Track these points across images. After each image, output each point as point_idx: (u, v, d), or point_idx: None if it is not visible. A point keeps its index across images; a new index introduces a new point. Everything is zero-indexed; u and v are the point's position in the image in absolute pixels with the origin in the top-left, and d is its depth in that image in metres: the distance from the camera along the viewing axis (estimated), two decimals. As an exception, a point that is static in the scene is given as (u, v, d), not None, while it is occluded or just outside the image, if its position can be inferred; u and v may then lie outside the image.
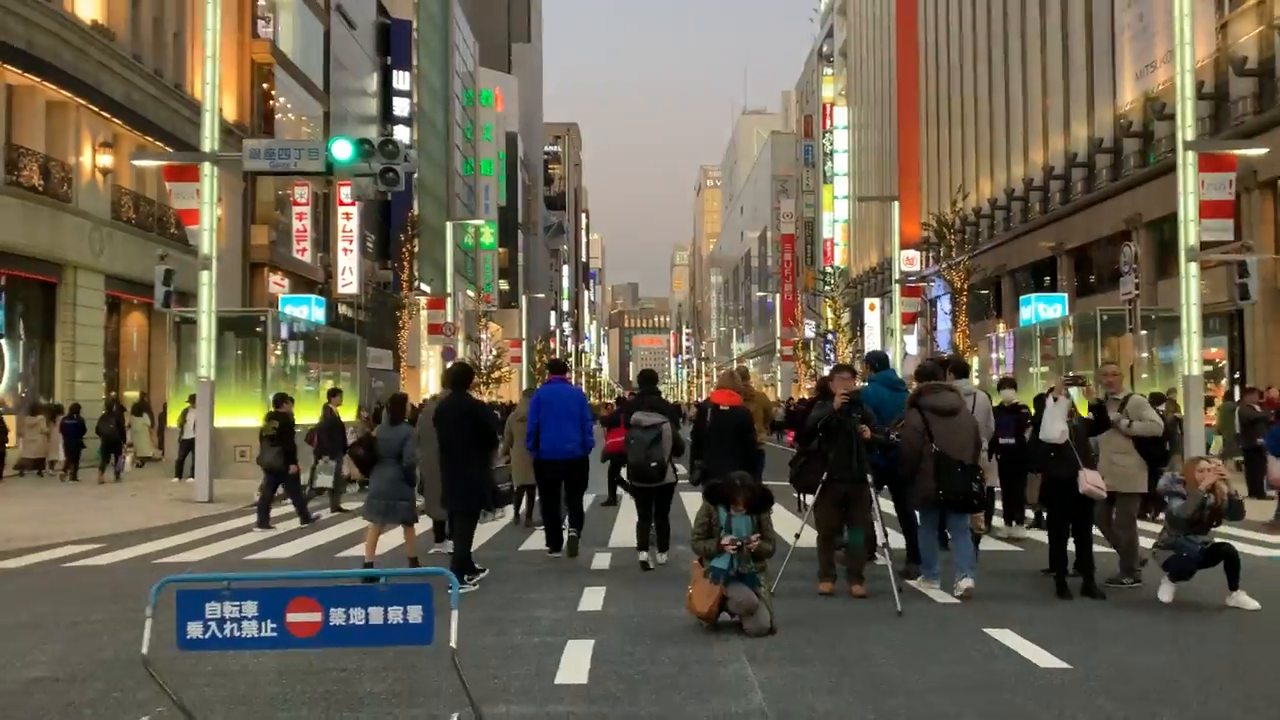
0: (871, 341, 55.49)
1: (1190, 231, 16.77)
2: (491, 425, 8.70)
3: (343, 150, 16.89)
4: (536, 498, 11.44)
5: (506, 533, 11.85)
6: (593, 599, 7.69)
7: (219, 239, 33.74)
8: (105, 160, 25.77)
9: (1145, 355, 22.41)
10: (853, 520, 7.82)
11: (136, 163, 18.45)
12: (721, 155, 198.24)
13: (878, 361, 9.36)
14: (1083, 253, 35.06)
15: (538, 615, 7.17)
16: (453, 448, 8.40)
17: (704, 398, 10.90)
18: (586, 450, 10.10)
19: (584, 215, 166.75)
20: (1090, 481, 7.60)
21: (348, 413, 22.33)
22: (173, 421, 20.63)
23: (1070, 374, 8.14)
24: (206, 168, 17.22)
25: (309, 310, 27.57)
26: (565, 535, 9.96)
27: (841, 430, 7.60)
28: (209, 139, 17.35)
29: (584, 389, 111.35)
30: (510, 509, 9.49)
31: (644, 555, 9.41)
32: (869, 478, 7.64)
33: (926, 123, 54.05)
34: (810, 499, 8.07)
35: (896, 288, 36.57)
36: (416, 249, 56.06)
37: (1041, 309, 27.14)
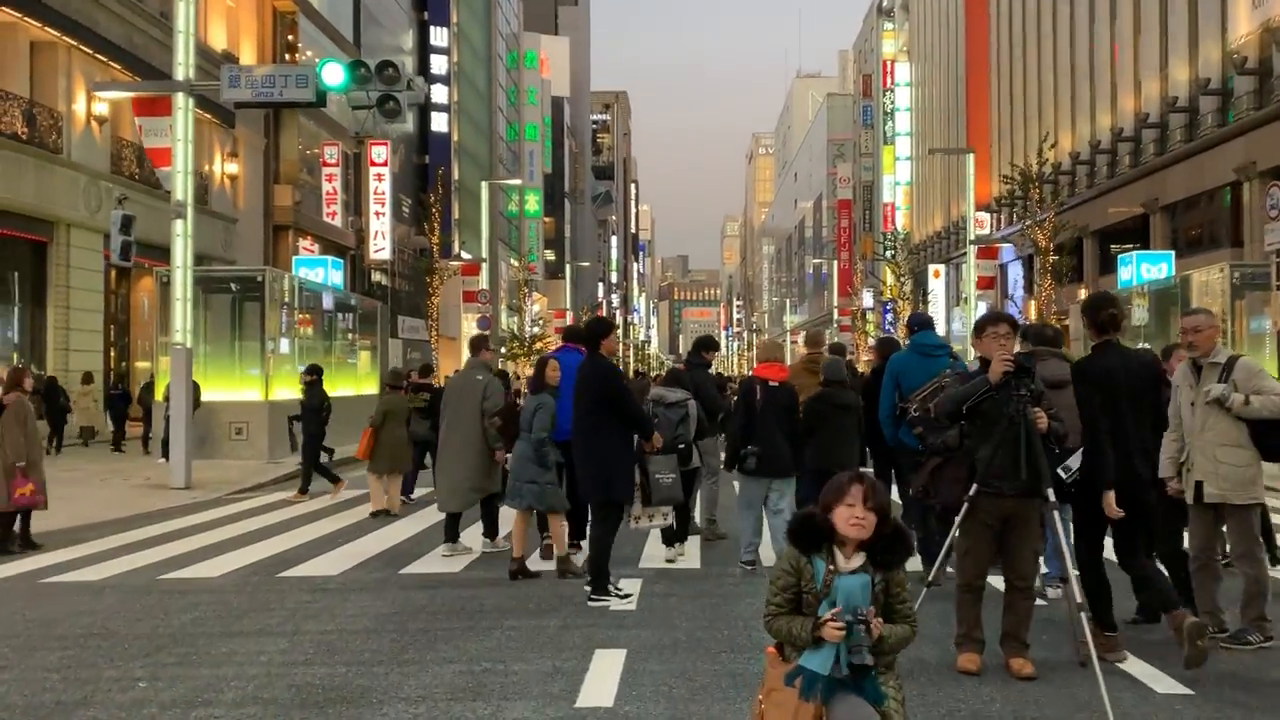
0: (936, 311, 52.02)
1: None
2: (623, 395, 6.96)
3: (334, 75, 14.30)
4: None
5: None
6: (603, 677, 4.97)
7: (238, 199, 31.82)
8: (102, 108, 23.45)
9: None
10: (1012, 553, 5.01)
11: (101, 95, 16.04)
12: (774, 122, 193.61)
13: (916, 323, 7.89)
14: (1180, 209, 31.49)
15: (509, 716, 4.46)
16: (582, 423, 6.96)
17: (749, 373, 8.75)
18: None
19: (633, 186, 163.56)
20: None
21: (345, 386, 19.95)
22: (159, 395, 18.33)
23: None
24: (180, 99, 14.71)
25: (325, 273, 25.10)
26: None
27: (1001, 416, 4.79)
28: (183, 66, 14.80)
29: (631, 360, 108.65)
30: (665, 511, 7.34)
31: (670, 552, 8.26)
32: (1049, 492, 4.79)
33: (998, 74, 50.22)
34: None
35: (971, 249, 33.31)
36: (456, 214, 53.71)
37: (1145, 269, 23.86)
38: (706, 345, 9.03)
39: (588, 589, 6.74)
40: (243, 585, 7.54)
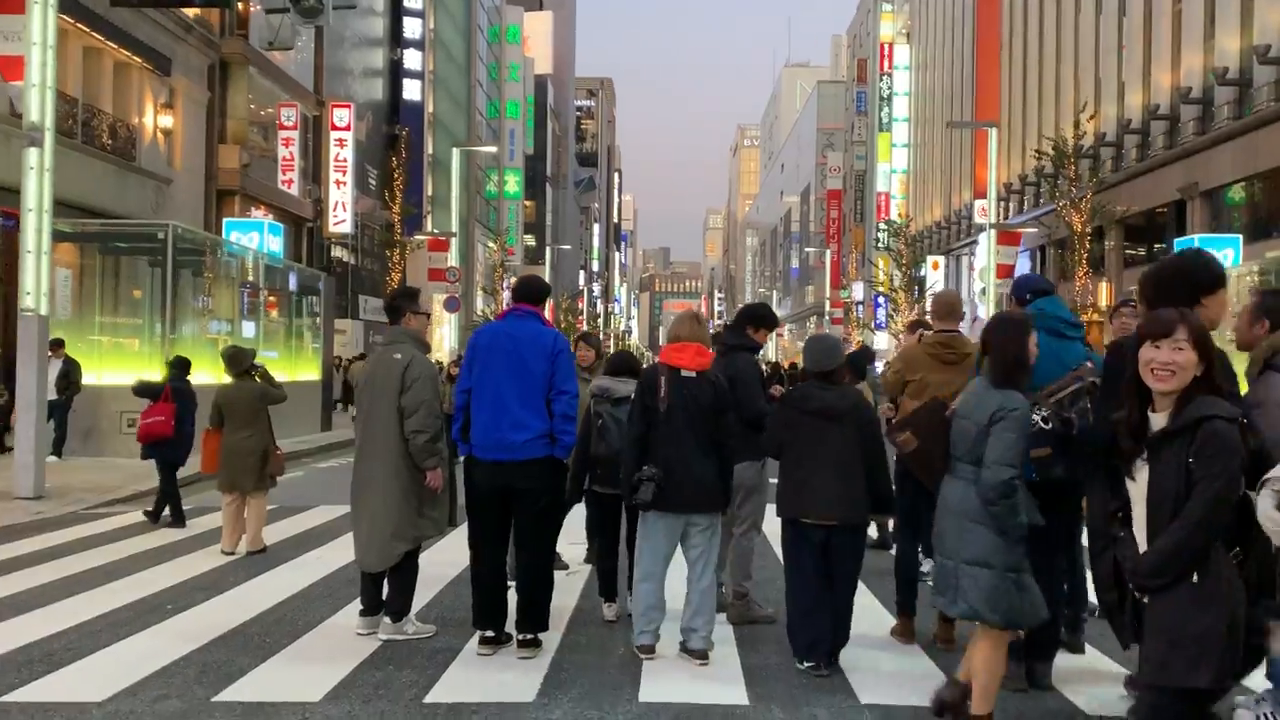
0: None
1: None
2: None
3: (236, -41, 10.85)
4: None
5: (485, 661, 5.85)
6: None
7: (175, 156, 28.18)
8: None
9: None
10: None
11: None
12: (760, 114, 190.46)
13: (1031, 289, 4.91)
14: (1225, 193, 28.44)
15: None
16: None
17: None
18: (558, 448, 5.09)
19: (617, 174, 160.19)
20: None
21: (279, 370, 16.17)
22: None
23: None
24: (38, -8, 11.26)
25: (261, 238, 21.59)
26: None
27: None
28: (42, -52, 11.33)
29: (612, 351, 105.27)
30: None
31: (611, 611, 5.96)
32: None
33: (1011, 53, 47.15)
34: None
35: (990, 234, 30.24)
36: (429, 190, 50.17)
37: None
38: (755, 318, 5.61)
39: None
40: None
